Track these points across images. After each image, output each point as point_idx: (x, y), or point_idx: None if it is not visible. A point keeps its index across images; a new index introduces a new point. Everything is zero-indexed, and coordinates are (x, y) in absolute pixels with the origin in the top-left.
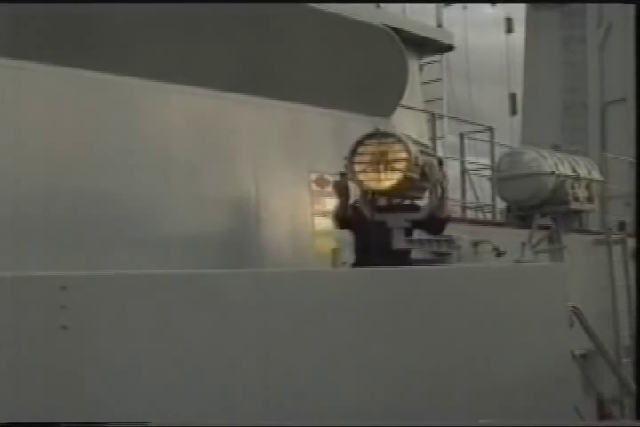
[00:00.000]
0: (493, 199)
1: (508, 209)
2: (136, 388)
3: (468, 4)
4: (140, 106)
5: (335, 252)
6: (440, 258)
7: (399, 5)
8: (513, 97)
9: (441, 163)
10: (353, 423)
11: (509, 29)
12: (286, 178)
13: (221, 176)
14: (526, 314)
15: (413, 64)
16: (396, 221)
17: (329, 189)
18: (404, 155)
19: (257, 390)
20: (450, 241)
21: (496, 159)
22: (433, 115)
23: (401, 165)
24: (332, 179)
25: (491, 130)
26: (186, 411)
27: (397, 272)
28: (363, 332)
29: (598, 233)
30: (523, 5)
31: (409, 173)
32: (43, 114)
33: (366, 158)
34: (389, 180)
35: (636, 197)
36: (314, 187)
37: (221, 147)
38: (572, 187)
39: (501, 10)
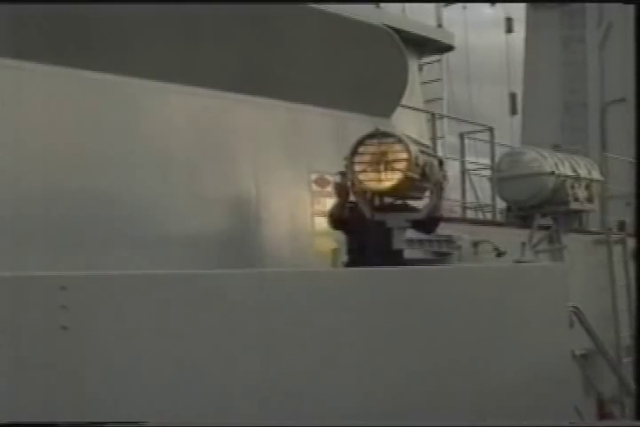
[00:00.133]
0: (493, 199)
1: (509, 209)
2: (136, 388)
3: (468, 4)
4: (140, 106)
5: (335, 252)
6: (440, 258)
7: (399, 5)
8: (513, 97)
9: (441, 163)
10: (353, 423)
11: (509, 29)
12: (286, 178)
13: (221, 176)
14: (526, 314)
15: (413, 64)
16: (396, 221)
17: (329, 189)
18: (404, 155)
19: (257, 390)
20: (450, 241)
21: (496, 159)
22: (433, 115)
23: (401, 165)
24: (332, 179)
25: (491, 130)
26: (186, 411)
27: (398, 272)
28: (363, 332)
29: (598, 233)
30: (522, 5)
31: (409, 173)
32: (43, 114)
33: (367, 158)
34: (390, 180)
35: (636, 197)
36: (314, 187)
37: (221, 147)
38: (573, 187)
39: (501, 10)
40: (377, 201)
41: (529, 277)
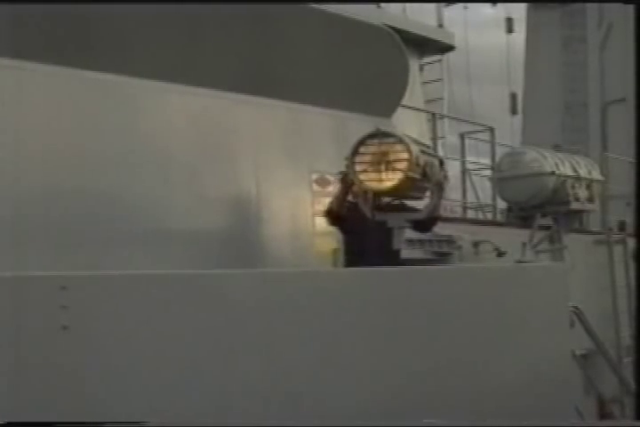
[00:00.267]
0: (494, 199)
1: (509, 209)
2: (136, 388)
3: (469, 4)
4: (140, 106)
5: (336, 252)
6: (441, 258)
7: (399, 5)
8: (513, 97)
9: (442, 163)
10: (353, 423)
11: (510, 29)
12: (287, 178)
13: (222, 176)
14: (527, 314)
15: (414, 64)
16: (397, 221)
17: (330, 188)
18: (405, 155)
19: (257, 390)
20: (450, 241)
21: (497, 159)
22: (433, 115)
23: (402, 165)
24: (332, 179)
25: (491, 130)
26: (186, 411)
27: (398, 272)
28: (363, 332)
29: (599, 233)
30: (523, 5)
31: (410, 173)
32: (43, 114)
33: (367, 158)
34: (391, 180)
35: (636, 197)
36: (315, 187)
37: (222, 147)
38: (573, 187)
39: (501, 10)
40: (377, 201)
41: (529, 278)
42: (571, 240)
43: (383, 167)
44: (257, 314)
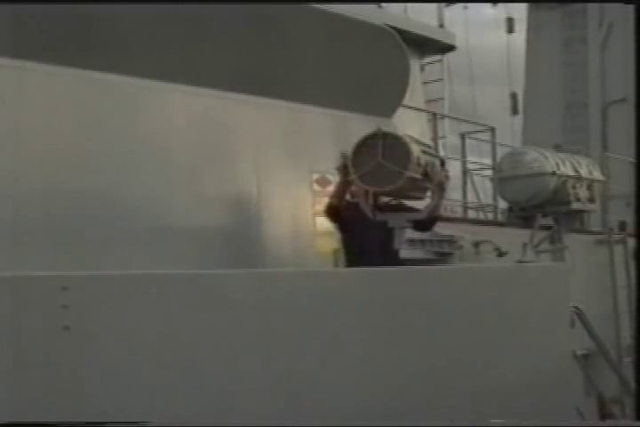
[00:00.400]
0: (495, 199)
1: (510, 209)
2: (137, 388)
3: (469, 4)
4: (141, 105)
5: (336, 252)
6: (442, 258)
7: (400, 5)
8: (514, 97)
9: (443, 163)
10: (353, 423)
11: (510, 29)
12: (288, 178)
13: (223, 176)
14: (528, 314)
15: (415, 64)
16: (398, 221)
17: (330, 188)
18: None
19: (257, 390)
20: (451, 241)
21: (498, 159)
22: (434, 115)
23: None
24: (333, 179)
25: (492, 130)
26: (186, 411)
27: (399, 272)
28: (364, 332)
29: (599, 233)
30: (524, 5)
31: (411, 173)
32: (43, 114)
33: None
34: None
35: (637, 197)
36: (315, 187)
37: (223, 147)
38: (574, 187)
39: (502, 10)
40: (377, 201)
41: (530, 278)
42: (571, 240)
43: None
44: (257, 314)
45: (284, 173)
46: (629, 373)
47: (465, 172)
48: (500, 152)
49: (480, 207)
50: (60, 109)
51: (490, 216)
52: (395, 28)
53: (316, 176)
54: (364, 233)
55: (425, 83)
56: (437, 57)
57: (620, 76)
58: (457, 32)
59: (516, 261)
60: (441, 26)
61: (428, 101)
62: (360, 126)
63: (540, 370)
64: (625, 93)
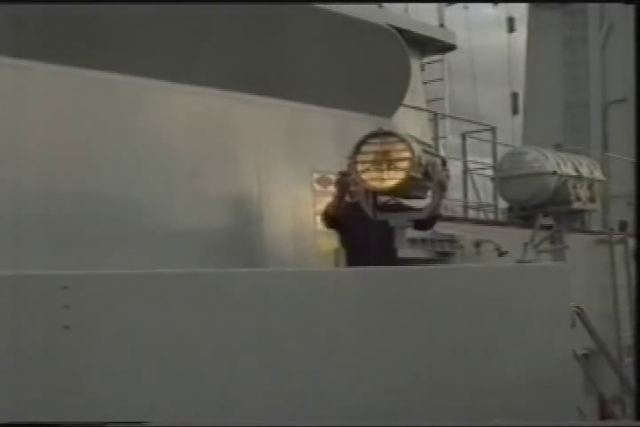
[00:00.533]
0: (495, 199)
1: (510, 209)
2: (138, 387)
3: (469, 4)
4: (141, 105)
5: (337, 251)
6: (442, 258)
7: (400, 5)
8: (514, 96)
9: (444, 162)
10: (353, 423)
11: (511, 29)
12: (289, 177)
13: (224, 175)
14: (528, 314)
15: (415, 63)
16: (399, 220)
17: (331, 188)
18: (407, 154)
19: (257, 390)
20: (452, 241)
21: (498, 159)
22: (435, 114)
23: (404, 165)
24: (334, 178)
25: (493, 130)
26: (186, 410)
27: (399, 272)
28: (364, 332)
29: (600, 233)
30: (524, 5)
31: (412, 173)
32: (44, 113)
33: (369, 158)
34: (392, 179)
35: (637, 196)
36: (316, 186)
37: (224, 146)
38: (574, 187)
39: (502, 10)
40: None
41: (531, 277)
42: (572, 240)
43: (385, 166)
44: (258, 313)
45: (284, 172)
46: (630, 372)
47: (465, 171)
48: (501, 152)
49: (481, 207)
50: (61, 109)
51: (490, 216)
52: (395, 28)
53: (316, 176)
54: (362, 233)
55: (425, 82)
56: (438, 56)
57: (621, 76)
58: (457, 32)
59: (517, 261)
60: (441, 25)
61: (429, 101)
62: (361, 126)
63: (540, 370)
64: (625, 93)
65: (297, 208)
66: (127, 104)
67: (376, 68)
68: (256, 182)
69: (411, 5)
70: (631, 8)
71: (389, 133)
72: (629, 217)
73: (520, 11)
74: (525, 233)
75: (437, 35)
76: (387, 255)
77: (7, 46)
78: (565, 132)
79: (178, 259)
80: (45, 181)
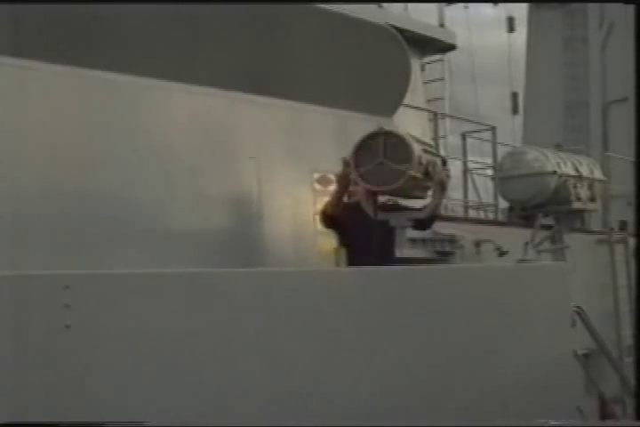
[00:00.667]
0: (496, 199)
1: (511, 209)
2: (138, 387)
3: (469, 4)
4: (142, 105)
5: (338, 251)
6: (443, 257)
7: (400, 5)
8: (514, 96)
9: (444, 162)
10: (353, 423)
11: (511, 28)
12: (289, 177)
13: (224, 175)
14: (529, 314)
15: (415, 63)
16: (400, 220)
17: (332, 188)
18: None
19: (257, 390)
20: (452, 241)
21: (498, 159)
22: (435, 114)
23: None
24: (334, 178)
25: (493, 129)
26: (187, 409)
27: (400, 272)
28: (365, 331)
29: (600, 233)
30: (524, 4)
31: (412, 172)
32: (44, 113)
33: (370, 157)
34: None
35: (637, 196)
36: (316, 186)
37: (224, 146)
38: (575, 186)
39: (502, 10)
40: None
41: (531, 277)
42: (572, 240)
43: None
44: (258, 313)
45: (285, 172)
46: (630, 372)
47: (466, 171)
48: (501, 152)
49: (481, 207)
50: (62, 109)
51: (491, 216)
52: (395, 28)
53: (317, 175)
54: (360, 233)
55: (425, 82)
56: (438, 56)
57: (621, 76)
58: (457, 32)
59: (517, 261)
60: (441, 25)
61: (429, 101)
62: (361, 126)
63: (540, 370)
64: (625, 93)
65: (297, 208)
66: (128, 104)
67: (376, 67)
68: (256, 182)
69: (410, 5)
70: (631, 8)
71: (390, 133)
72: (629, 217)
73: (520, 11)
74: (526, 233)
75: (437, 34)
76: (385, 255)
77: (8, 46)
78: (565, 131)
79: (178, 259)
80: (46, 181)
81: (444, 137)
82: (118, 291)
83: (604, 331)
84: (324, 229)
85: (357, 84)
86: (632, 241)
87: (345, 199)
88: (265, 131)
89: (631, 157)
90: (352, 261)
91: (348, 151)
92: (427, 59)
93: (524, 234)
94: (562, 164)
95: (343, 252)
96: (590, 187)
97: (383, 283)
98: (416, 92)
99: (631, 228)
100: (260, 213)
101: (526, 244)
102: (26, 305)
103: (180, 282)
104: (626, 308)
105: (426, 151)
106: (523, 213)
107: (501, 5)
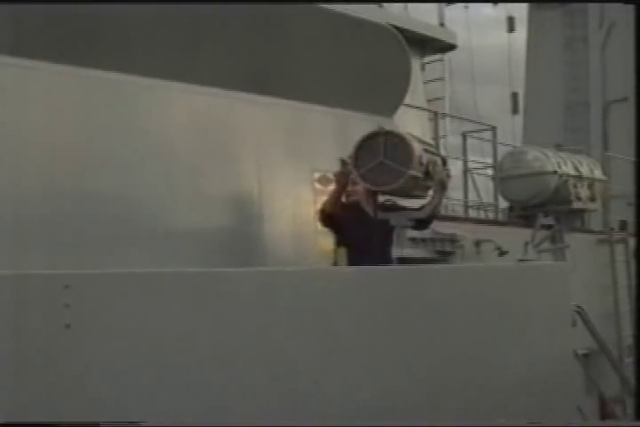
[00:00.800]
0: (496, 199)
1: (511, 208)
2: (138, 386)
3: (470, 4)
4: (142, 104)
5: (336, 250)
6: (443, 257)
7: (401, 5)
8: (515, 96)
9: (444, 162)
10: (353, 423)
11: (511, 28)
12: (289, 177)
13: (224, 175)
14: (529, 313)
15: (416, 63)
16: (400, 220)
17: (332, 187)
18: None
19: (257, 390)
20: (453, 240)
21: (499, 158)
22: (435, 114)
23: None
24: (334, 178)
25: (493, 129)
26: (186, 409)
27: (400, 271)
28: (365, 331)
29: (600, 233)
30: (524, 4)
31: (413, 172)
32: (44, 113)
33: (370, 157)
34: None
35: (637, 196)
36: (316, 186)
37: (224, 145)
38: (575, 186)
39: (502, 10)
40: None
41: (531, 277)
42: (572, 240)
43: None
44: (259, 312)
45: (285, 171)
46: (630, 372)
47: (466, 171)
48: (501, 151)
49: (481, 206)
50: (62, 108)
51: (491, 215)
52: (396, 27)
53: (317, 175)
54: (358, 233)
55: (426, 82)
56: (438, 56)
57: (621, 76)
58: (457, 32)
59: (517, 261)
60: (441, 25)
61: (429, 101)
62: (361, 125)
63: (541, 369)
64: (625, 93)
65: (297, 207)
66: (128, 103)
67: (377, 67)
68: (257, 181)
69: (410, 5)
70: (631, 8)
71: (390, 132)
72: (629, 217)
73: (520, 11)
74: (526, 233)
75: (437, 34)
76: (382, 255)
77: (9, 45)
78: (565, 131)
79: (178, 258)
80: (46, 181)
81: (445, 137)
82: (118, 291)
83: (604, 331)
84: (324, 229)
85: (358, 83)
86: (632, 241)
87: (343, 199)
88: (265, 130)
89: (631, 157)
90: (350, 260)
91: (348, 151)
92: (427, 58)
93: (524, 234)
94: (562, 163)
95: (342, 251)
96: (590, 187)
97: (384, 282)
98: (416, 92)
99: (631, 228)
100: (261, 213)
101: (526, 244)
102: (26, 305)
103: (180, 282)
104: (626, 308)
105: (426, 151)
106: (523, 213)
107: (501, 5)
